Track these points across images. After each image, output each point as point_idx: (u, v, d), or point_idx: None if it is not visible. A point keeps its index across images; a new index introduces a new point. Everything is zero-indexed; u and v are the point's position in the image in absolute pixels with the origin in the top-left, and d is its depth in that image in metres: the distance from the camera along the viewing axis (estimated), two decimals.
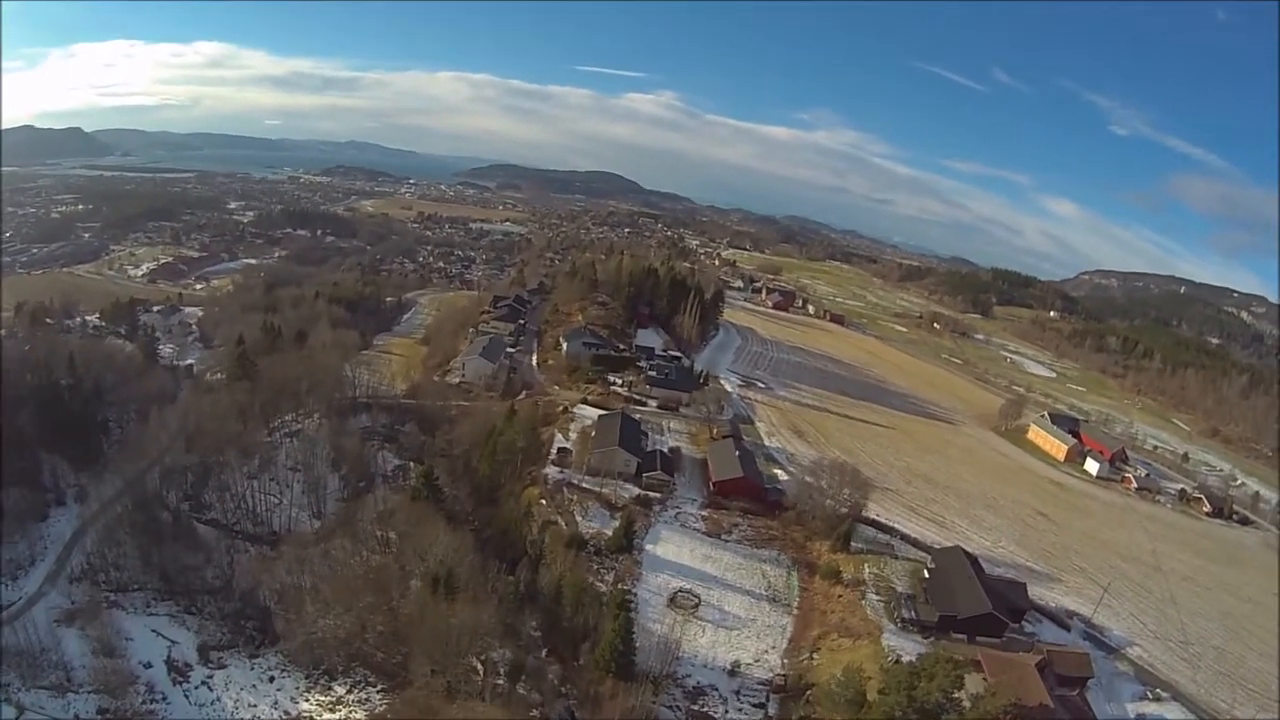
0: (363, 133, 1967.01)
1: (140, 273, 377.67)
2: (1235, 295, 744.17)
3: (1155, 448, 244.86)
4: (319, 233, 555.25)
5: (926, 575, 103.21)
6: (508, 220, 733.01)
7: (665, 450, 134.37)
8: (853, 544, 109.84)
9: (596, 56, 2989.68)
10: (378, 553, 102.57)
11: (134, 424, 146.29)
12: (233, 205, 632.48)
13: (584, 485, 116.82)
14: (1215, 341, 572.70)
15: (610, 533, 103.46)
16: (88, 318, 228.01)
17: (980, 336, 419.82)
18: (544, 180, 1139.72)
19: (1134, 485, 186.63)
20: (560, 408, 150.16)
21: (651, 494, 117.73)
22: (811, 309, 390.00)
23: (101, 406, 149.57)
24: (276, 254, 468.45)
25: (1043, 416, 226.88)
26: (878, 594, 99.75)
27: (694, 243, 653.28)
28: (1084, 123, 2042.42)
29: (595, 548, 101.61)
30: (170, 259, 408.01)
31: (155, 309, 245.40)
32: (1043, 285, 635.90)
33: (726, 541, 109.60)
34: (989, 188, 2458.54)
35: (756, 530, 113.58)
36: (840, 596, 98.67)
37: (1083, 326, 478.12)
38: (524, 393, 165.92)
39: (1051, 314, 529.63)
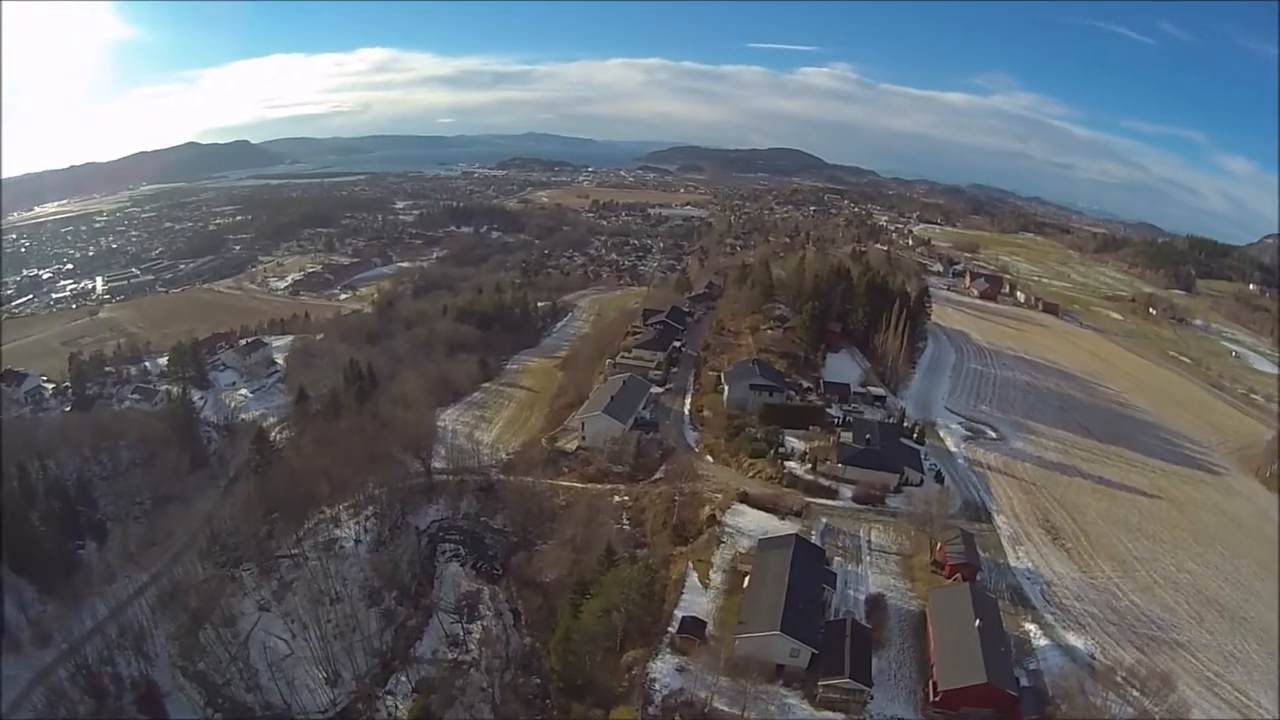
0: (539, 124, 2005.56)
1: (284, 285, 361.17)
2: None
3: None
4: (483, 229, 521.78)
5: None
6: (688, 204, 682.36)
7: (861, 614, 78.62)
8: None
9: (766, 33, 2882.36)
10: None
11: (136, 525, 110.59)
12: (400, 205, 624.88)
13: (715, 705, 64.01)
14: None
15: None
16: (154, 362, 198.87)
17: (1199, 323, 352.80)
18: (725, 160, 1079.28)
19: None
20: (707, 510, 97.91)
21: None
22: (1021, 296, 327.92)
23: (90, 506, 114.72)
24: (434, 255, 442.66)
25: None
26: None
27: (883, 219, 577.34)
28: (1252, 72, 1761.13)
29: None
30: (318, 267, 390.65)
31: (243, 342, 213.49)
32: (1239, 253, 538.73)
33: None
34: (1165, 147, 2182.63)
35: None
36: None
37: None
38: (662, 467, 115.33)
39: (1251, 286, 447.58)
